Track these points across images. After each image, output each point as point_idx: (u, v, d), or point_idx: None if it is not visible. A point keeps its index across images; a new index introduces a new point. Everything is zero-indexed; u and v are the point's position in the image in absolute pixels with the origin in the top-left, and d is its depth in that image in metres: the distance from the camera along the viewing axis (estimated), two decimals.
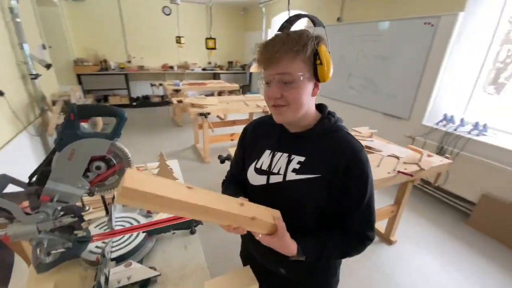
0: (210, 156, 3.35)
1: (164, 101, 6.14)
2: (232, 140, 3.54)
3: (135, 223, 0.99)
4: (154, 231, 0.97)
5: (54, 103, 3.10)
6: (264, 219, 0.63)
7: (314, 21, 0.65)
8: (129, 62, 5.81)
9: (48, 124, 3.16)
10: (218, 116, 5.00)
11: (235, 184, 0.87)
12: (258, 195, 0.75)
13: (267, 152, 0.74)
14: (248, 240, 0.84)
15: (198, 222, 1.05)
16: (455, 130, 2.63)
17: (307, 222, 0.71)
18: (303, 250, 0.64)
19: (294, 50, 0.58)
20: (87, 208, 0.90)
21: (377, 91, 3.44)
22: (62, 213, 0.81)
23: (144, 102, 6.19)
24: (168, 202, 0.51)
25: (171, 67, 6.14)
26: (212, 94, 5.58)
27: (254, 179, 0.76)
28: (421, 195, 2.89)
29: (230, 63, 6.98)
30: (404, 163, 1.81)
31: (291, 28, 0.71)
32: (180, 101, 3.47)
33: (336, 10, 3.86)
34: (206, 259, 0.92)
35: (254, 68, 6.24)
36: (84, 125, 0.77)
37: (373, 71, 3.45)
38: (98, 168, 0.81)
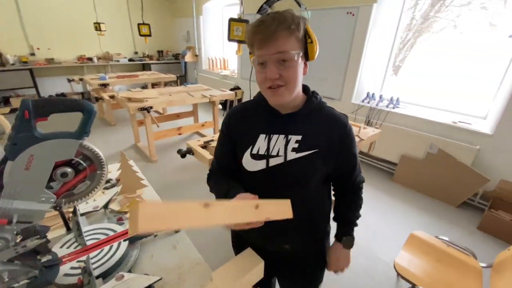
0: (158, 154, 3.11)
1: (85, 99, 5.29)
2: (180, 134, 3.35)
3: (111, 233, 0.87)
4: (136, 238, 0.88)
5: None
6: (278, 217, 0.64)
7: (299, 3, 0.67)
8: (32, 54, 4.76)
9: None
10: (156, 111, 4.63)
11: (225, 176, 0.83)
12: (259, 180, 0.75)
13: (262, 136, 0.73)
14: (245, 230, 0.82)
15: None
16: (377, 105, 3.11)
17: (309, 194, 0.76)
18: (350, 243, 0.84)
19: (291, 28, 0.59)
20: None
21: (311, 76, 3.75)
22: (20, 237, 0.66)
23: None
24: (187, 227, 0.50)
25: (90, 59, 5.31)
26: (145, 87, 5.09)
27: (251, 165, 0.75)
28: None
29: (160, 52, 6.45)
30: None
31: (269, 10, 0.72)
32: (112, 97, 3.06)
33: None
34: (200, 255, 0.89)
35: (189, 57, 5.96)
36: None
37: None
38: (64, 175, 0.68)
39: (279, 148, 0.71)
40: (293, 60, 0.61)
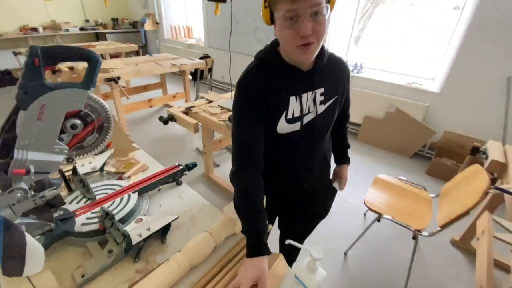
0: (129, 128, 2.99)
1: None
2: (151, 106, 3.22)
3: (118, 188, 0.91)
4: (144, 189, 0.93)
5: None
6: None
7: None
8: None
9: None
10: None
11: (261, 191, 0.74)
12: (290, 138, 0.74)
13: (292, 98, 0.69)
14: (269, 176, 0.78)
15: (183, 174, 1.06)
16: None
17: (327, 139, 0.87)
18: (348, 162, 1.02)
19: None
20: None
21: None
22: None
23: (5, 79, 4.53)
24: None
25: (35, 29, 4.63)
26: (103, 58, 4.65)
27: (286, 128, 0.72)
28: None
29: (115, 20, 5.83)
30: None
31: None
32: (71, 68, 2.78)
33: None
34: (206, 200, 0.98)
35: (148, 25, 5.50)
36: None
37: None
38: (73, 127, 0.69)
39: (309, 105, 0.72)
40: (323, 13, 0.57)
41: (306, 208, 0.99)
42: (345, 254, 1.68)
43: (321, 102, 0.74)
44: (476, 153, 1.56)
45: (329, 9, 0.58)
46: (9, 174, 0.60)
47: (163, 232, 0.78)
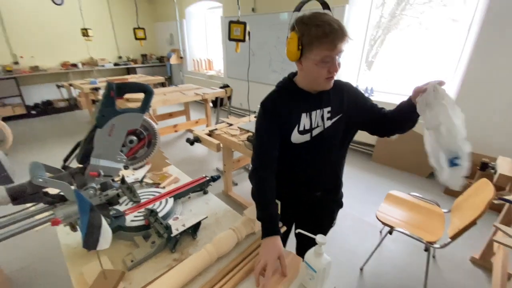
0: None
1: (73, 105, 5.29)
2: (176, 131, 3.53)
3: (157, 194, 1.09)
4: (177, 196, 1.10)
5: None
6: None
7: (327, 3, 0.90)
8: (16, 63, 4.70)
9: None
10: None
11: (272, 183, 0.90)
12: (303, 148, 0.91)
13: (303, 115, 0.88)
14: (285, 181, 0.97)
15: (208, 184, 1.23)
16: None
17: (336, 153, 0.99)
18: None
19: (348, 37, 0.77)
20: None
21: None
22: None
23: (47, 109, 5.16)
24: None
25: (75, 65, 5.31)
26: None
27: (298, 138, 0.90)
28: None
29: (144, 56, 6.52)
30: None
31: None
32: (127, 99, 3.18)
33: (249, 1, 4.23)
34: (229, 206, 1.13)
35: (174, 60, 6.09)
36: None
37: None
38: (131, 142, 0.90)
39: (317, 120, 0.89)
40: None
41: (316, 215, 1.10)
42: (361, 269, 1.71)
43: (328, 118, 0.90)
44: (485, 168, 1.61)
45: None
46: (85, 176, 0.80)
47: (194, 229, 0.94)
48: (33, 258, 1.81)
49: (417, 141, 2.84)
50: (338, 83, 0.94)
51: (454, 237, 1.25)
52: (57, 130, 4.36)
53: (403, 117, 0.88)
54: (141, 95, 0.86)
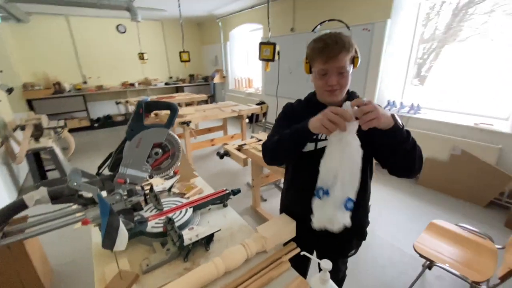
0: (194, 163, 3.47)
1: (128, 119, 5.96)
2: (213, 145, 3.71)
3: (179, 204, 1.16)
4: (197, 207, 1.15)
5: (22, 128, 2.92)
6: None
7: (347, 26, 0.94)
8: (85, 83, 5.56)
9: (12, 152, 2.97)
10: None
11: None
12: (308, 158, 0.93)
13: None
14: (300, 207, 0.97)
15: (228, 197, 1.26)
16: (398, 112, 3.25)
17: None
18: (395, 119, 0.76)
19: (349, 51, 0.82)
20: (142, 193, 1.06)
21: None
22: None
23: (107, 122, 5.94)
24: None
25: (132, 85, 6.04)
26: (180, 106, 5.65)
27: (305, 146, 0.93)
28: (383, 170, 3.43)
29: (191, 76, 7.11)
30: None
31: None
32: (156, 114, 3.53)
33: (288, 22, 4.37)
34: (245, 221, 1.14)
35: (217, 79, 6.50)
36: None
37: None
38: (156, 153, 0.98)
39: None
40: (347, 71, 0.84)
41: (327, 241, 1.04)
42: None
43: None
44: None
45: (351, 67, 0.85)
46: (114, 183, 0.90)
47: (207, 241, 0.97)
48: (77, 254, 2.03)
49: (471, 165, 2.50)
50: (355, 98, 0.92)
51: (504, 278, 1.06)
52: (113, 141, 4.95)
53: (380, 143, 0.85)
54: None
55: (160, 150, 0.98)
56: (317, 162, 0.90)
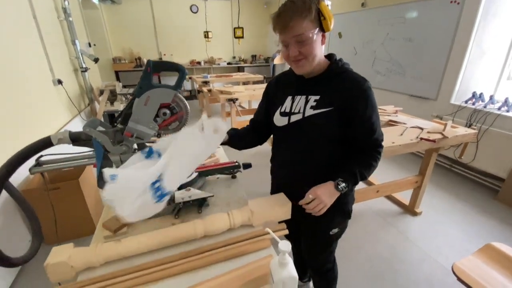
0: None
1: (192, 95, 6.49)
2: None
3: None
4: (203, 173, 1.18)
5: (101, 92, 3.49)
6: None
7: None
8: (160, 59, 6.24)
9: (95, 111, 3.58)
10: (240, 105, 5.23)
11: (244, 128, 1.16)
12: (283, 133, 0.93)
13: (289, 98, 0.90)
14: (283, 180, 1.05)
15: (238, 169, 1.25)
16: (485, 107, 2.60)
17: (324, 150, 0.86)
18: (338, 182, 0.81)
19: (302, 16, 0.72)
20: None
21: (403, 74, 3.44)
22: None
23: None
24: None
25: (199, 63, 6.49)
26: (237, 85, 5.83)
27: (279, 121, 0.93)
28: (450, 175, 2.88)
29: (253, 56, 7.19)
30: (428, 132, 1.88)
31: None
32: (209, 90, 3.73)
33: None
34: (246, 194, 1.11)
35: (278, 60, 6.39)
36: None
37: (399, 54, 3.45)
38: (164, 114, 1.02)
39: (300, 106, 0.86)
40: (309, 38, 0.75)
41: (302, 217, 0.96)
42: None
43: (312, 107, 0.83)
44: None
45: (314, 34, 0.75)
46: (123, 135, 0.98)
47: (200, 204, 0.99)
48: None
49: None
50: (349, 77, 0.81)
51: None
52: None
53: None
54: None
55: (168, 111, 1.02)
56: (292, 135, 0.90)
